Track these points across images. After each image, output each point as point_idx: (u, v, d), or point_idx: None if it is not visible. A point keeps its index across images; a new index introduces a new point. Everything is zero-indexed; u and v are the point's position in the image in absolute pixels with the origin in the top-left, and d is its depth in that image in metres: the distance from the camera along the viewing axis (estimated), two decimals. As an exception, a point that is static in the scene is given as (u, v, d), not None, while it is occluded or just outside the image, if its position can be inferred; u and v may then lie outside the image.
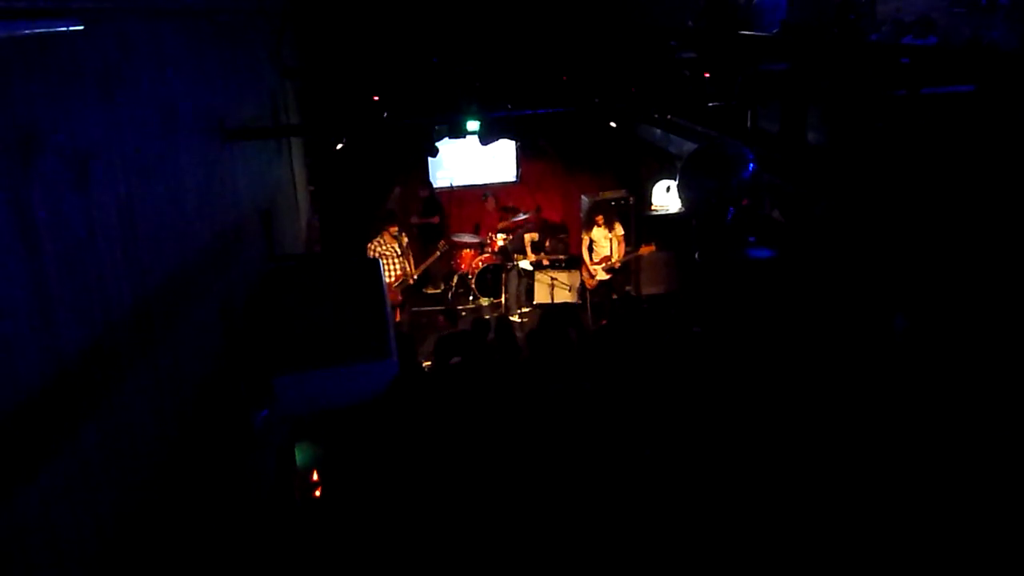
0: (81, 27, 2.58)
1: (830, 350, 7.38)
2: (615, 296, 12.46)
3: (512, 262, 13.16)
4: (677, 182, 6.31)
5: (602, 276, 12.16)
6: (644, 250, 12.15)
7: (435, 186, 13.82)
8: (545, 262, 13.18)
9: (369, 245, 10.72)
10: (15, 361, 2.06)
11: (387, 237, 10.72)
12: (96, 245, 2.64)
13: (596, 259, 12.10)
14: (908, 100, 6.52)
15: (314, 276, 5.76)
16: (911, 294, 6.39)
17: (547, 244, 13.38)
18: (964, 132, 6.30)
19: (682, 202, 7.00)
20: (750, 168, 5.63)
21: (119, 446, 2.72)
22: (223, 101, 5.17)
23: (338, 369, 4.51)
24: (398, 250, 10.81)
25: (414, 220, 13.20)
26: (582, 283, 12.64)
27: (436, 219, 13.34)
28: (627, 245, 12.26)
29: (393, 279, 10.71)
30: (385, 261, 10.60)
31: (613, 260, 12.00)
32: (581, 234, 12.53)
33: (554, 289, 12.92)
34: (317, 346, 4.66)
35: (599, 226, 11.96)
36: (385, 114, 9.19)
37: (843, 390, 6.78)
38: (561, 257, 13.29)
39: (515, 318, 12.69)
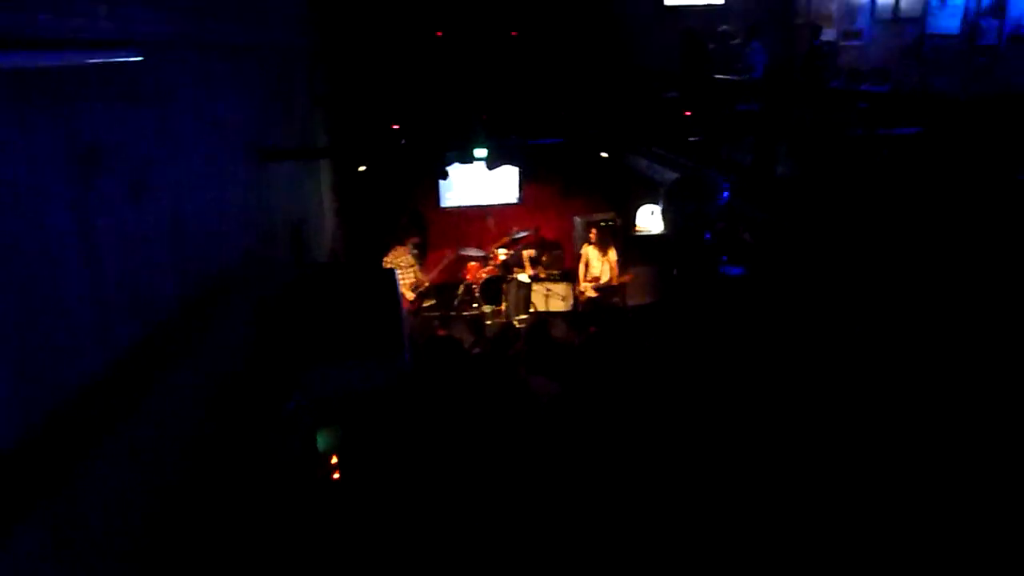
0: (140, 57, 2.60)
1: (796, 354, 7.40)
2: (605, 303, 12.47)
3: (512, 275, 13.19)
4: (661, 206, 6.34)
5: (591, 294, 12.21)
6: (625, 278, 12.24)
7: (444, 205, 13.88)
8: (542, 275, 13.20)
9: (386, 257, 10.80)
10: (77, 352, 2.07)
11: (402, 249, 10.81)
12: (149, 251, 2.65)
13: (588, 278, 12.15)
14: (864, 139, 6.57)
15: (337, 281, 5.77)
16: (867, 305, 6.42)
17: (544, 258, 13.42)
18: (912, 167, 6.35)
19: (665, 224, 7.03)
20: (725, 196, 5.66)
21: (165, 429, 2.73)
22: (262, 125, 5.20)
23: (358, 364, 4.53)
24: (412, 261, 10.90)
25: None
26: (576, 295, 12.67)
27: (418, 239, 13.18)
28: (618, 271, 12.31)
29: (409, 284, 10.80)
30: (401, 271, 10.70)
31: (602, 282, 12.06)
32: (578, 249, 12.56)
33: (549, 299, 12.93)
34: (340, 343, 4.67)
35: (592, 244, 11.96)
36: (403, 140, 9.24)
37: (808, 388, 6.80)
38: (555, 272, 13.32)
39: (515, 323, 12.70)
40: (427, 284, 11.33)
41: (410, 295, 10.81)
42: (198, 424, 3.12)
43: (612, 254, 12.05)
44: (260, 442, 4.14)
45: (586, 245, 12.27)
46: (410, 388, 6.28)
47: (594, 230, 12.03)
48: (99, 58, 2.31)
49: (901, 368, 5.86)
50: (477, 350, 8.77)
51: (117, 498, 2.17)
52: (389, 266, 10.69)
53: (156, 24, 2.87)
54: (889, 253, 6.05)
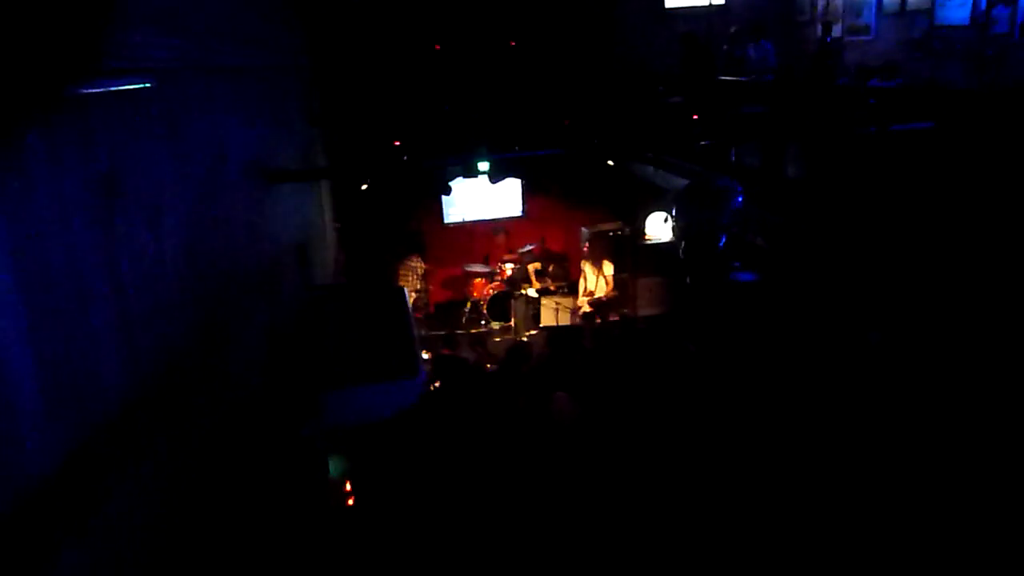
0: (150, 84, 2.68)
1: (811, 361, 7.42)
2: (598, 321, 12.50)
3: (520, 290, 13.25)
4: (674, 212, 6.40)
5: (587, 309, 12.33)
6: (609, 294, 12.43)
7: (447, 221, 14.02)
8: (551, 287, 13.28)
9: (398, 265, 11.22)
10: (101, 374, 2.13)
11: (415, 260, 11.27)
12: (167, 280, 2.72)
13: (584, 292, 12.29)
14: (876, 137, 6.62)
15: (347, 303, 5.85)
16: (885, 312, 6.44)
17: (550, 269, 13.46)
18: (925, 164, 6.40)
19: (676, 231, 7.09)
20: (739, 200, 5.71)
21: (185, 451, 2.78)
22: (265, 148, 5.28)
23: (375, 386, 4.58)
24: (421, 271, 11.40)
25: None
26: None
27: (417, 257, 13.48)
28: (615, 285, 12.45)
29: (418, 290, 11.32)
30: (413, 281, 11.18)
31: (596, 296, 12.19)
32: (580, 263, 12.69)
33: (558, 314, 12.99)
34: (356, 366, 4.73)
35: (586, 259, 12.12)
36: (405, 157, 9.33)
37: (823, 397, 6.81)
38: (563, 283, 13.40)
39: (524, 339, 12.74)
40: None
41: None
42: (215, 447, 3.17)
43: (608, 267, 12.13)
44: (276, 469, 4.19)
45: (583, 262, 12.42)
46: (424, 411, 6.32)
47: (586, 244, 12.13)
48: (116, 85, 2.38)
49: (920, 378, 5.88)
50: (490, 367, 8.81)
51: (132, 534, 2.22)
52: (403, 273, 11.17)
53: (165, 49, 2.95)
54: (905, 255, 6.09)
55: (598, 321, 12.33)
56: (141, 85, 2.60)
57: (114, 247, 2.27)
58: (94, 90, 2.24)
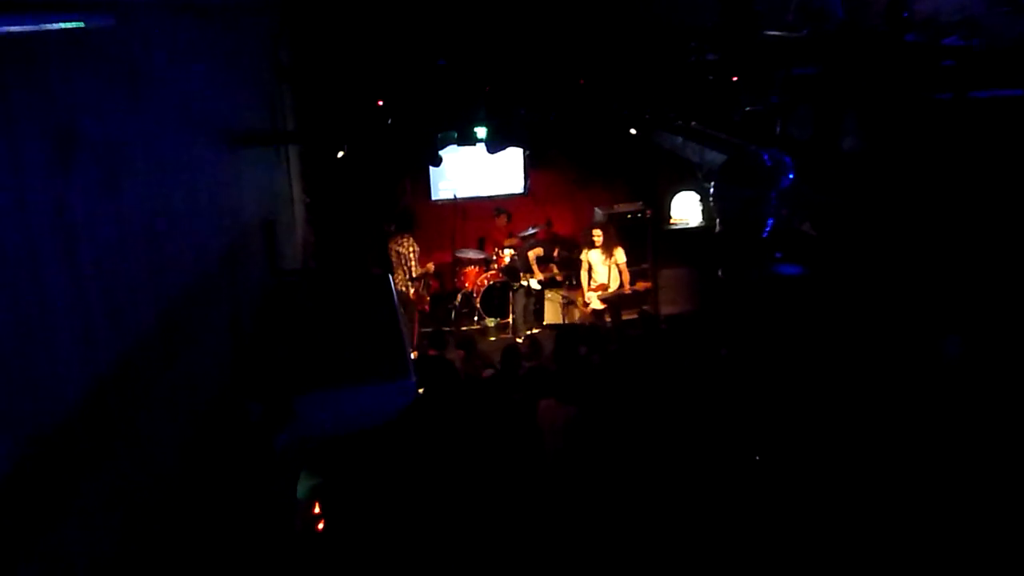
0: (112, 22, 2.66)
1: (871, 376, 7.39)
2: (608, 319, 12.46)
3: (519, 281, 13.22)
4: (709, 192, 6.39)
5: (596, 305, 12.24)
6: (640, 285, 12.36)
7: (435, 198, 13.98)
8: (558, 277, 13.24)
9: (391, 242, 11.30)
10: (58, 366, 2.12)
11: (408, 238, 11.35)
12: (125, 251, 2.70)
13: (593, 286, 12.20)
14: (952, 105, 6.61)
15: (323, 292, 5.85)
16: (965, 315, 6.41)
17: (556, 254, 13.38)
18: (1010, 138, 6.37)
19: (711, 215, 7.09)
20: (790, 177, 5.70)
21: (144, 461, 2.77)
22: (229, 105, 5.26)
23: (359, 389, 4.58)
24: (415, 250, 11.46)
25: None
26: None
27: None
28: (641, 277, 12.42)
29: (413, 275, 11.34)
30: (404, 262, 11.25)
31: (611, 290, 12.07)
32: (580, 254, 12.59)
33: (565, 309, 13.00)
34: (336, 366, 4.73)
35: (596, 247, 12.02)
36: (389, 120, 9.28)
37: (886, 420, 6.77)
38: (571, 272, 13.36)
39: (520, 339, 12.74)
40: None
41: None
42: (175, 458, 3.16)
43: (620, 254, 12.07)
44: (244, 486, 4.18)
45: (586, 249, 12.31)
46: (407, 422, 6.32)
47: (598, 231, 12.04)
48: (70, 22, 2.36)
49: (1010, 397, 5.84)
50: (489, 372, 8.81)
51: (79, 560, 2.22)
52: (396, 253, 11.25)
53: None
54: (988, 246, 6.07)
55: (608, 320, 12.33)
56: (102, 24, 2.58)
57: (70, 212, 2.26)
58: (47, 26, 2.22)
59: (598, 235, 12.02)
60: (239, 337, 4.74)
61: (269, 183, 7.37)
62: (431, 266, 12.61)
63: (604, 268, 12.10)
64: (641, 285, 12.67)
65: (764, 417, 7.22)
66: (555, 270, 13.29)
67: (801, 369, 8.38)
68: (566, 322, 13.02)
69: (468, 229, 14.14)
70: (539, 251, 13.25)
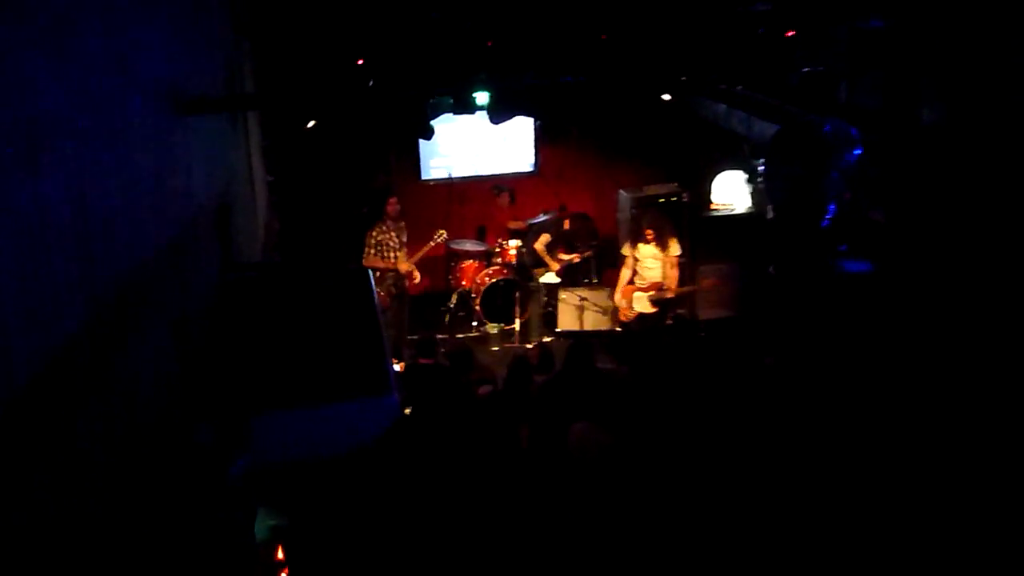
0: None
1: (950, 390, 7.38)
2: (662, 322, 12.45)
3: (529, 278, 13.22)
4: (762, 172, 6.39)
5: (646, 308, 12.12)
6: (705, 284, 12.26)
7: (425, 177, 14.00)
8: (576, 259, 13.19)
9: (370, 232, 11.18)
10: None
11: (389, 223, 11.24)
12: (47, 240, 2.72)
13: (643, 284, 12.05)
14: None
15: (288, 291, 5.86)
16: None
17: (566, 226, 13.25)
18: None
19: (760, 198, 7.10)
20: (855, 153, 5.70)
21: (66, 498, 2.79)
22: (178, 65, 5.28)
23: (330, 407, 4.60)
24: (400, 239, 11.38)
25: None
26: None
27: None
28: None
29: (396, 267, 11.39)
30: (387, 252, 11.23)
31: (667, 289, 11.95)
32: (622, 248, 12.50)
33: (583, 312, 12.96)
34: (302, 379, 4.75)
35: (648, 242, 11.87)
36: (371, 82, 9.31)
37: (966, 442, 6.78)
38: (591, 250, 13.29)
39: (531, 346, 12.75)
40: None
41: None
42: (105, 501, 3.18)
43: (674, 246, 12.00)
44: (194, 524, 4.21)
45: (630, 247, 12.18)
46: (391, 446, 6.35)
47: (649, 229, 11.92)
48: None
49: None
50: (487, 389, 8.83)
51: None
52: (375, 242, 11.21)
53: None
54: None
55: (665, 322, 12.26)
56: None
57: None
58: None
59: (650, 233, 11.87)
60: (185, 345, 4.76)
61: (223, 159, 7.40)
62: (410, 268, 12.26)
63: (656, 264, 11.97)
64: (705, 284, 12.58)
65: (818, 447, 7.22)
66: (569, 252, 13.18)
67: (868, 388, 8.37)
68: (584, 328, 12.94)
69: (466, 215, 14.15)
70: (547, 237, 13.15)
